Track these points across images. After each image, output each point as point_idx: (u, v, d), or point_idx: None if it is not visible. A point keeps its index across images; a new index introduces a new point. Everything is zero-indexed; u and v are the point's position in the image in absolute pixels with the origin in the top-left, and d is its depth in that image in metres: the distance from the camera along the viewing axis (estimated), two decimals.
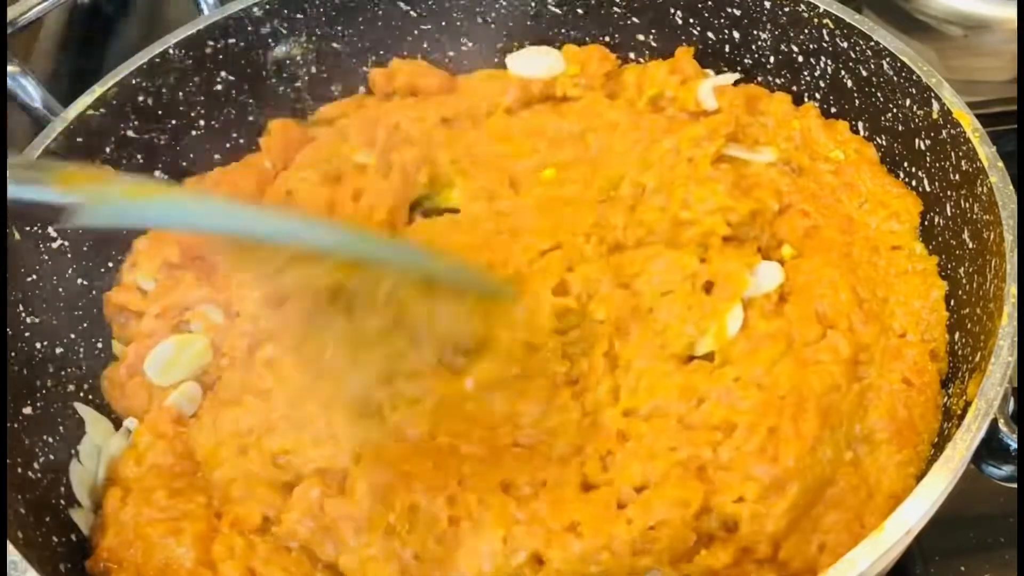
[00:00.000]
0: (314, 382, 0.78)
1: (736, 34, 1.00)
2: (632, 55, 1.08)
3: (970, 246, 0.79)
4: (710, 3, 1.00)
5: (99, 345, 0.90)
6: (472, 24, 1.08)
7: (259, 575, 0.72)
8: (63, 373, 0.85)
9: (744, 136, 0.95)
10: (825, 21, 0.92)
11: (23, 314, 0.83)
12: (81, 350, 0.88)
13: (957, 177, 0.81)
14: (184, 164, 0.99)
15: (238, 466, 0.77)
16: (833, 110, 0.96)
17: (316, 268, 0.66)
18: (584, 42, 1.08)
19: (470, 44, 1.09)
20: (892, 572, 0.70)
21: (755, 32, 0.98)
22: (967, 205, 0.80)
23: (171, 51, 0.96)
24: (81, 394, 0.86)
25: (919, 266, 0.84)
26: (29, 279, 0.84)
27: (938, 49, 1.20)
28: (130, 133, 0.94)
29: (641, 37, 1.06)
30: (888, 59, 0.87)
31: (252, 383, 0.80)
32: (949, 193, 0.83)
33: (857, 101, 0.93)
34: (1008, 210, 0.74)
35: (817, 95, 0.97)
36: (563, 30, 1.08)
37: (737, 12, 0.98)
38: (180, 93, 0.98)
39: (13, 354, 0.80)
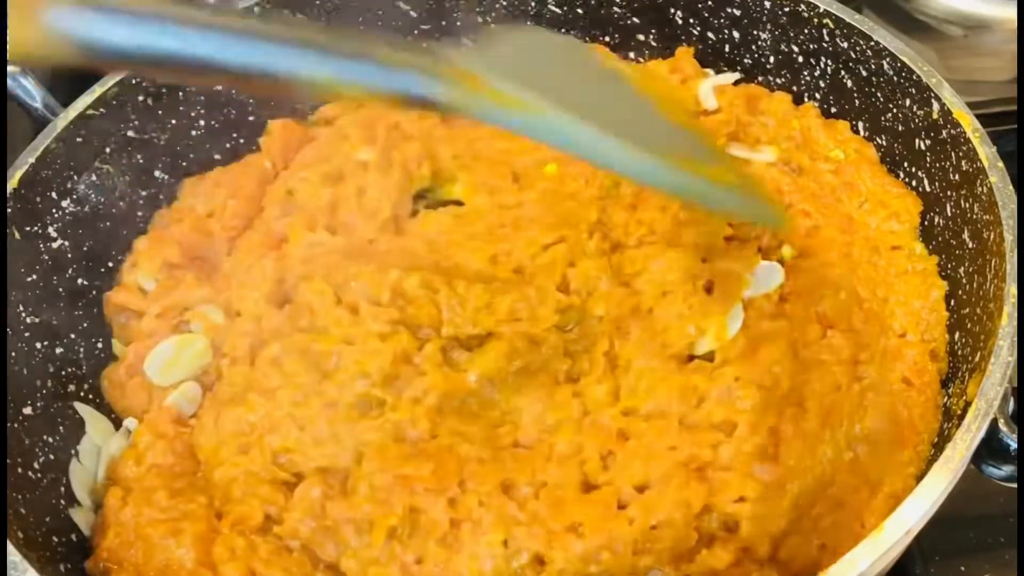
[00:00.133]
0: (318, 381, 0.78)
1: (736, 34, 1.00)
2: (632, 55, 1.08)
3: (970, 246, 0.79)
4: (710, 3, 1.00)
5: (99, 345, 0.90)
6: (472, 24, 1.08)
7: None
8: (63, 373, 0.85)
9: (745, 136, 0.95)
10: (825, 21, 0.92)
11: (23, 314, 0.83)
12: (81, 350, 0.88)
13: (957, 177, 0.81)
14: (184, 164, 0.99)
15: (239, 465, 0.77)
16: (833, 110, 0.96)
17: None
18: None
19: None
20: (892, 572, 0.70)
21: (755, 32, 0.98)
22: (967, 205, 0.80)
23: None
24: (81, 394, 0.86)
25: (919, 266, 0.84)
26: (29, 279, 0.84)
27: (938, 49, 1.20)
28: (130, 133, 0.94)
29: (641, 37, 1.06)
30: (888, 59, 0.87)
31: (256, 381, 0.80)
32: (949, 193, 0.83)
33: (857, 101, 0.93)
34: (1008, 210, 0.74)
35: (817, 95, 0.97)
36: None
37: (737, 12, 0.98)
38: (180, 93, 0.98)
39: (13, 354, 0.80)
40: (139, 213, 0.96)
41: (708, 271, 0.83)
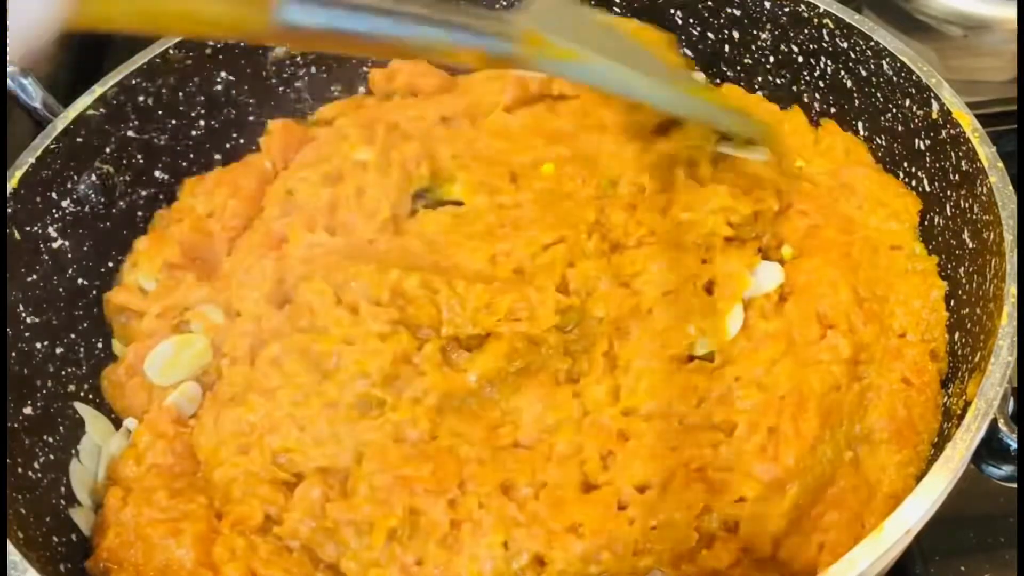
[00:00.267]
0: (318, 381, 0.78)
1: (736, 34, 1.00)
2: None
3: (970, 246, 0.79)
4: (710, 3, 1.00)
5: (99, 345, 0.90)
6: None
7: None
8: (63, 373, 0.85)
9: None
10: (825, 21, 0.92)
11: (23, 314, 0.83)
12: (81, 350, 0.88)
13: (957, 177, 0.81)
14: (184, 164, 1.00)
15: (239, 465, 0.77)
16: (833, 110, 0.96)
17: None
18: None
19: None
20: (892, 572, 0.70)
21: (755, 32, 0.98)
22: (967, 205, 0.80)
23: (171, 51, 0.96)
24: (81, 394, 0.86)
25: (919, 266, 0.84)
26: (29, 279, 0.84)
27: (938, 49, 1.20)
28: (130, 133, 0.95)
29: None
30: (888, 59, 0.87)
31: (256, 381, 0.80)
32: (949, 193, 0.83)
33: (857, 101, 0.93)
34: (1008, 210, 0.74)
35: (817, 95, 0.97)
36: None
37: (737, 12, 0.98)
38: (180, 93, 0.98)
39: (13, 354, 0.80)
40: (139, 213, 0.96)
41: (708, 271, 0.83)
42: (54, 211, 0.88)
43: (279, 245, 0.91)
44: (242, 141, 1.03)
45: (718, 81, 1.03)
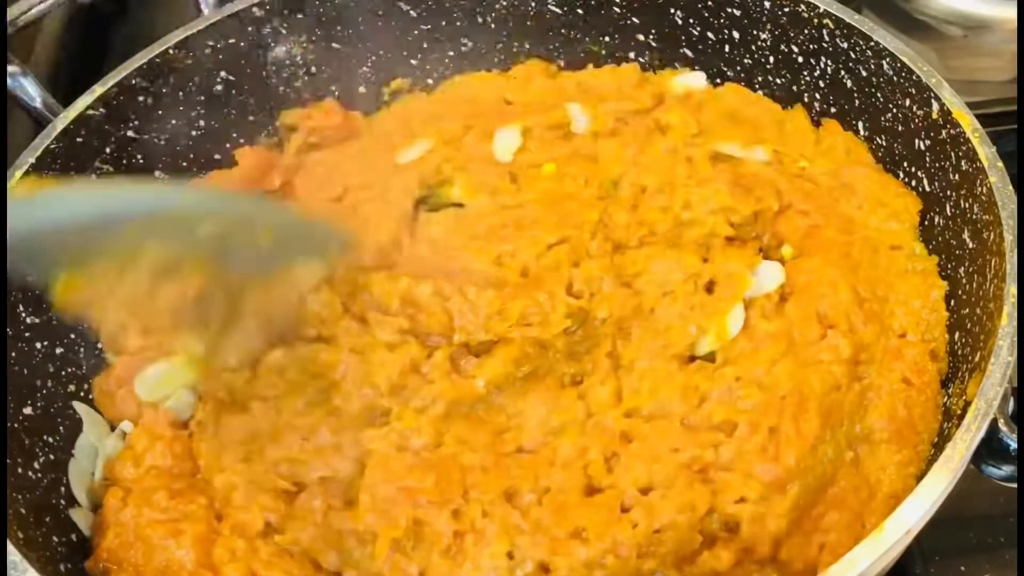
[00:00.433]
0: (323, 391, 0.78)
1: (736, 34, 1.00)
2: (632, 55, 1.08)
3: (970, 246, 0.79)
4: (710, 3, 1.00)
5: (99, 345, 0.90)
6: (472, 24, 1.08)
7: None
8: (63, 373, 0.85)
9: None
10: (825, 21, 0.92)
11: (23, 314, 0.83)
12: (81, 350, 0.88)
13: (957, 177, 0.81)
14: (184, 164, 0.99)
15: (241, 473, 0.77)
16: (833, 110, 0.96)
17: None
18: (584, 42, 1.08)
19: (470, 44, 1.09)
20: (892, 572, 0.70)
21: (755, 32, 0.98)
22: (967, 205, 0.80)
23: (171, 51, 0.96)
24: (81, 394, 0.86)
25: (919, 266, 0.84)
26: (29, 279, 0.84)
27: (938, 49, 1.20)
28: (130, 133, 0.94)
29: (641, 37, 1.06)
30: (888, 59, 0.87)
31: (259, 388, 0.80)
32: (949, 193, 0.83)
33: (857, 101, 0.93)
34: (1008, 210, 0.74)
35: (817, 95, 0.97)
36: (563, 30, 1.08)
37: (737, 12, 0.98)
38: (180, 93, 0.98)
39: (13, 354, 0.80)
40: None
41: (709, 271, 0.83)
42: None
43: None
44: (242, 141, 1.03)
45: (718, 81, 1.03)
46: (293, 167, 0.99)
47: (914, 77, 0.85)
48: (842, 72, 0.93)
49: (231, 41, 1.00)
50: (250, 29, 1.01)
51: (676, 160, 0.91)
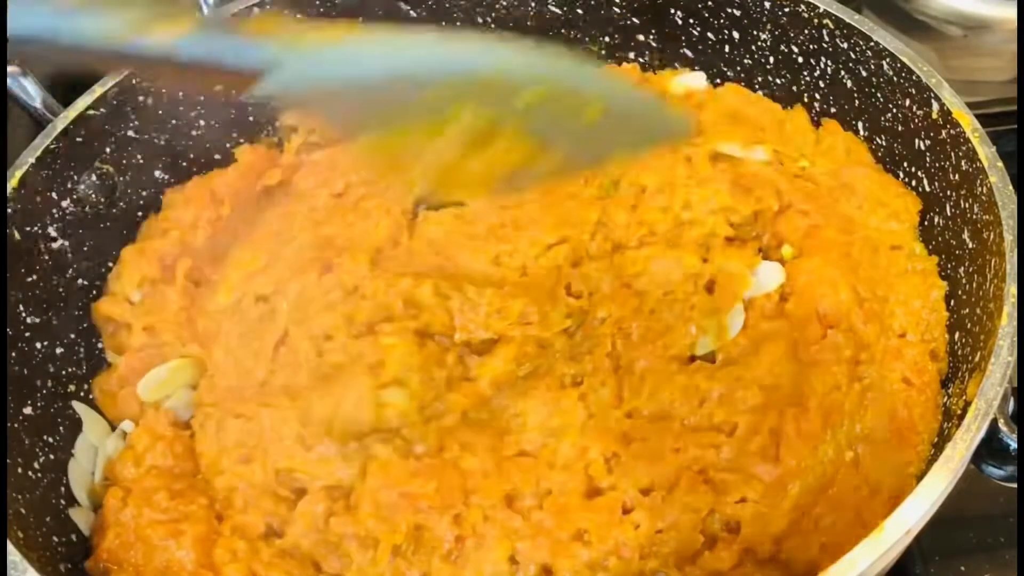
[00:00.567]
0: (325, 394, 0.78)
1: (736, 34, 1.00)
2: (632, 55, 1.08)
3: (970, 246, 0.79)
4: (710, 3, 1.00)
5: (99, 345, 0.90)
6: (472, 24, 1.08)
7: None
8: (63, 373, 0.85)
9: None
10: (825, 21, 0.92)
11: (23, 314, 0.83)
12: (81, 350, 0.88)
13: (957, 177, 0.81)
14: (184, 164, 0.99)
15: (241, 475, 0.77)
16: (833, 110, 0.96)
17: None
18: (584, 42, 1.08)
19: None
20: (892, 572, 0.70)
21: (755, 32, 0.98)
22: (967, 205, 0.80)
23: None
24: (81, 394, 0.86)
25: (919, 266, 0.84)
26: (29, 279, 0.84)
27: (938, 49, 1.20)
28: (130, 133, 0.94)
29: (641, 37, 1.06)
30: (888, 59, 0.87)
31: (261, 394, 0.80)
32: (949, 193, 0.83)
33: (857, 101, 0.93)
34: (1008, 210, 0.74)
35: (817, 95, 0.97)
36: (563, 30, 1.08)
37: (737, 12, 0.98)
38: (180, 93, 0.98)
39: (13, 354, 0.80)
40: (139, 213, 0.96)
41: (709, 271, 0.83)
42: (54, 211, 0.87)
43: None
44: (242, 141, 1.03)
45: (718, 81, 1.03)
46: (293, 165, 0.99)
47: (914, 77, 0.85)
48: (842, 72, 0.93)
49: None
50: None
51: (676, 160, 0.91)
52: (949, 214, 0.83)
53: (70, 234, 0.88)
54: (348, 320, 0.82)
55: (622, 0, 1.05)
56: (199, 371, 0.85)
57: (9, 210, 0.83)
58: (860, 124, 0.94)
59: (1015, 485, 0.75)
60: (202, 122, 1.00)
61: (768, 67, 1.00)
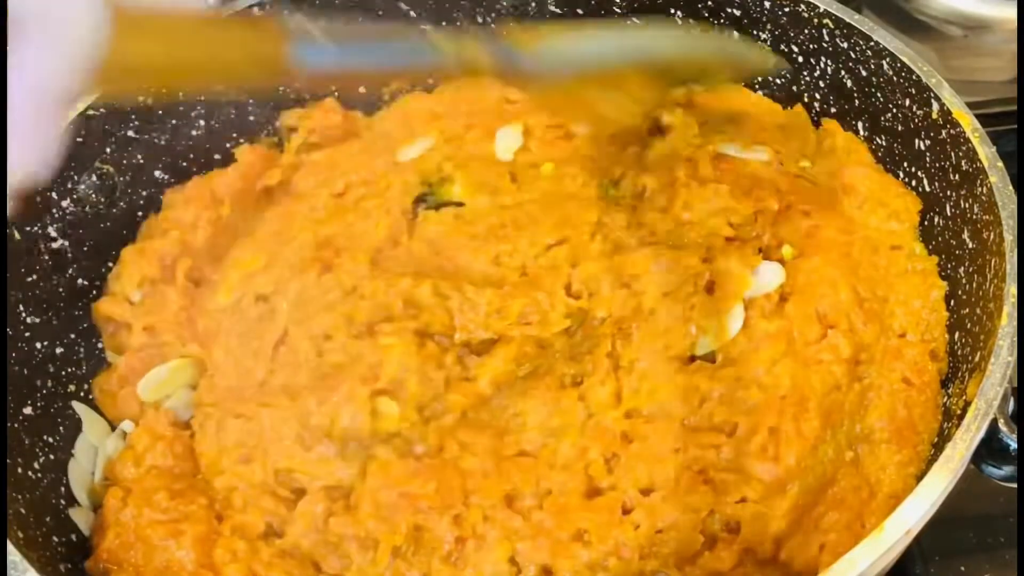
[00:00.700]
0: (325, 396, 0.78)
1: (736, 34, 1.00)
2: None
3: (970, 246, 0.79)
4: (710, 3, 1.00)
5: (99, 345, 0.90)
6: (472, 24, 1.08)
7: None
8: (63, 373, 0.85)
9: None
10: (825, 21, 0.92)
11: (23, 314, 0.83)
12: (81, 350, 0.88)
13: (957, 177, 0.81)
14: (184, 164, 0.99)
15: (241, 475, 0.76)
16: (833, 110, 0.96)
17: None
18: None
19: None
20: (892, 572, 0.70)
21: (755, 32, 0.98)
22: (967, 205, 0.80)
23: None
24: (81, 394, 0.86)
25: (919, 266, 0.84)
26: (29, 279, 0.84)
27: (938, 49, 1.20)
28: (130, 133, 0.94)
29: None
30: (888, 59, 0.87)
31: (261, 394, 0.80)
32: (949, 193, 0.83)
33: (857, 101, 0.93)
34: (1008, 210, 0.74)
35: (817, 95, 0.97)
36: None
37: (737, 12, 0.98)
38: (180, 93, 0.98)
39: (13, 354, 0.80)
40: (139, 213, 0.96)
41: (708, 271, 0.83)
42: (54, 211, 0.87)
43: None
44: (242, 141, 1.03)
45: None
46: (293, 165, 0.99)
47: (914, 77, 0.85)
48: (842, 72, 0.93)
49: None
50: None
51: (676, 160, 0.91)
52: (949, 214, 0.83)
53: (70, 234, 0.88)
54: (348, 320, 0.82)
55: (622, 0, 1.05)
56: (199, 371, 0.85)
57: (9, 210, 0.83)
58: (860, 124, 0.94)
59: (1015, 485, 0.75)
60: (202, 122, 1.00)
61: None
